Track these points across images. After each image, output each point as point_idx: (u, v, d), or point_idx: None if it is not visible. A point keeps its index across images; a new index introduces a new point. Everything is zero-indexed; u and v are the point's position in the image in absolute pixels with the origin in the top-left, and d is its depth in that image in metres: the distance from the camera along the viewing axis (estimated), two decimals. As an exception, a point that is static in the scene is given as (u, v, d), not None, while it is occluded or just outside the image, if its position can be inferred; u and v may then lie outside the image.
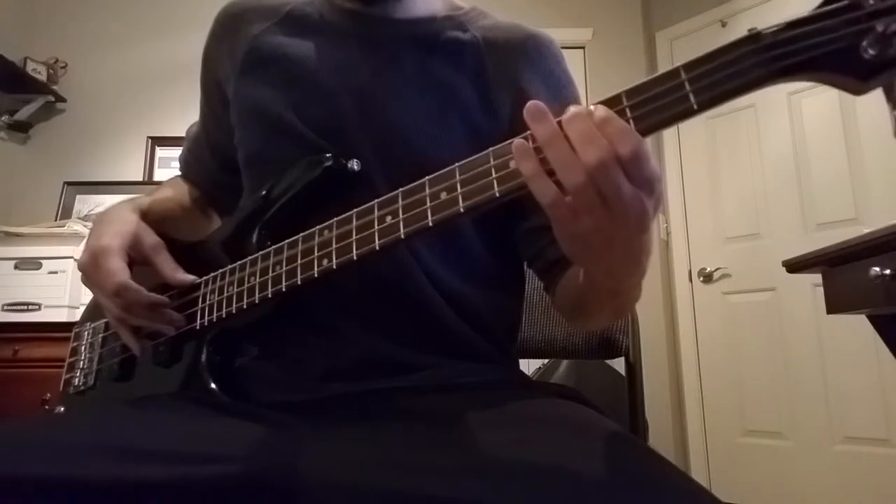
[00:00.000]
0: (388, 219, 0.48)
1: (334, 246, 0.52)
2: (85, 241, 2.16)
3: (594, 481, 0.39)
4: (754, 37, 0.38)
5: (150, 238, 0.65)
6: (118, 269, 0.60)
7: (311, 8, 0.70)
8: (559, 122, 0.40)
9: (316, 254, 0.53)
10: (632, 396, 0.93)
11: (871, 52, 0.34)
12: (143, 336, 0.64)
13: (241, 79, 0.68)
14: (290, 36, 0.68)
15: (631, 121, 0.40)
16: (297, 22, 0.69)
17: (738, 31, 0.37)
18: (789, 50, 0.36)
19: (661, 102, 0.39)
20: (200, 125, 0.80)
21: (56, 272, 2.04)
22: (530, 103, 0.41)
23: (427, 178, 0.47)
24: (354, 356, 0.60)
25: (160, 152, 2.79)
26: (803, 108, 2.45)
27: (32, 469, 0.44)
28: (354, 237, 0.50)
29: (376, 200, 0.50)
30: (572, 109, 0.40)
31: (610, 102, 0.41)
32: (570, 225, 0.41)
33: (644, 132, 0.40)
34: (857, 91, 0.37)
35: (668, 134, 2.89)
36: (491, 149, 0.44)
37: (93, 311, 0.77)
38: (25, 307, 2.02)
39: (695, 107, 0.38)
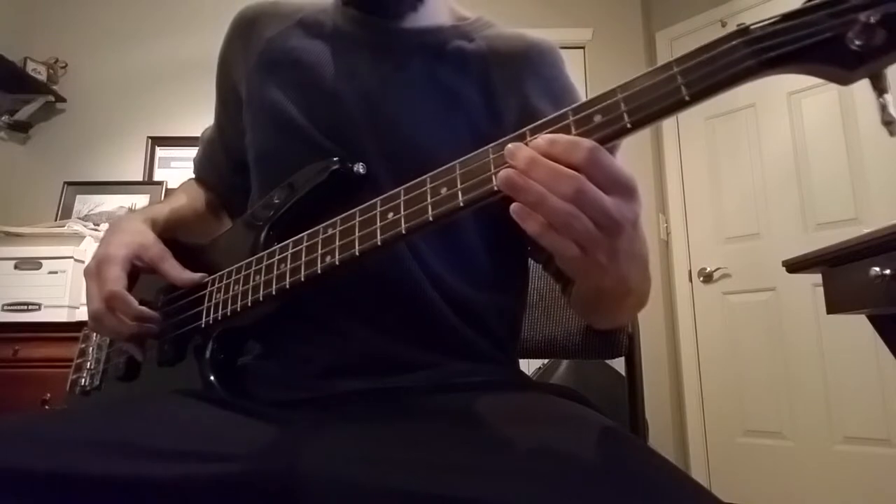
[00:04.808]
0: (391, 215, 0.49)
1: (337, 243, 0.52)
2: (85, 241, 2.14)
3: (594, 481, 0.39)
4: (743, 30, 0.39)
5: (156, 247, 0.67)
6: (114, 278, 0.63)
7: (324, 16, 0.72)
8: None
9: (319, 251, 0.54)
10: (632, 396, 0.93)
11: (856, 42, 0.36)
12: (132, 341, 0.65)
13: (255, 80, 0.70)
14: (303, 40, 0.70)
15: (625, 114, 0.41)
16: (310, 28, 0.72)
17: (737, 31, 0.38)
18: (777, 42, 0.38)
19: (654, 95, 0.40)
20: (215, 128, 0.82)
21: (56, 272, 2.04)
22: (502, 173, 0.42)
23: (428, 174, 0.48)
24: (356, 354, 0.60)
25: (160, 152, 2.79)
26: (803, 107, 2.45)
27: (32, 464, 0.44)
28: (357, 233, 0.51)
29: (379, 198, 0.51)
30: (526, 153, 0.41)
31: (605, 96, 0.42)
32: (580, 261, 0.42)
33: (638, 124, 0.41)
34: (845, 81, 0.38)
35: (668, 134, 2.89)
36: (490, 145, 0.46)
37: None
38: (25, 307, 2.02)
39: (686, 98, 0.39)
